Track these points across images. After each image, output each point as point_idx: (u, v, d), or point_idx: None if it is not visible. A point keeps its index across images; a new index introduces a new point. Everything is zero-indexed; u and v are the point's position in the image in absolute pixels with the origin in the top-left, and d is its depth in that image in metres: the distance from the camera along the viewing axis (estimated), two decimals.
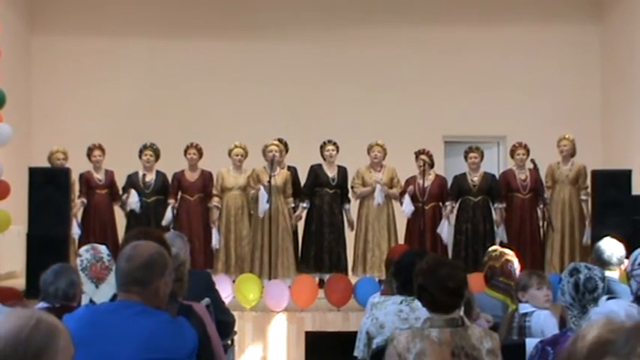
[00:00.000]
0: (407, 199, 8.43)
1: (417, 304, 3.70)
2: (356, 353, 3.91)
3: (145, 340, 2.40)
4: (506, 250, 4.89)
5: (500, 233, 8.49)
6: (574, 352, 1.28)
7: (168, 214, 8.54)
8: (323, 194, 8.58)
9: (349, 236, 8.71)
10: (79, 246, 7.33)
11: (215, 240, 8.52)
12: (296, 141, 9.04)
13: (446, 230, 8.47)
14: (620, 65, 10.85)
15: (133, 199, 8.54)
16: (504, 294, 4.58)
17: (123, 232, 8.60)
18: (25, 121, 10.45)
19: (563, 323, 4.31)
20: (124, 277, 2.51)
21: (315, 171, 8.64)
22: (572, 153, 8.67)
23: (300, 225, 8.77)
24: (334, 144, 8.66)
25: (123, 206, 8.81)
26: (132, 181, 8.73)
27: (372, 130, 9.63)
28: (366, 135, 9.00)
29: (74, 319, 2.43)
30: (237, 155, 8.68)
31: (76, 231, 8.42)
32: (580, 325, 3.33)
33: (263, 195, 8.21)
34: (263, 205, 8.22)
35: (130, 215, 8.69)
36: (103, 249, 4.17)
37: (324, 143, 8.70)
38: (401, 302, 3.85)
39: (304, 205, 8.61)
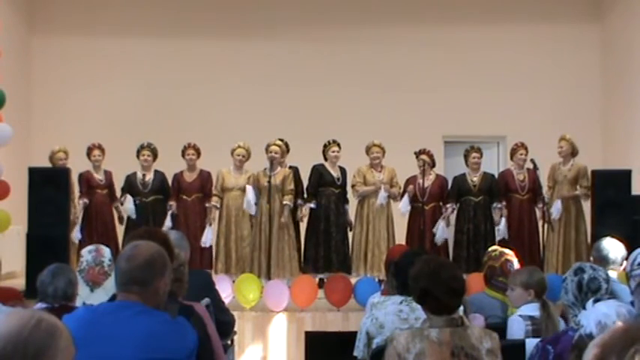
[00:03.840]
0: (405, 199, 8.44)
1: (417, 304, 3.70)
2: (356, 353, 3.91)
3: (145, 340, 2.40)
4: (506, 250, 4.89)
5: (502, 230, 8.46)
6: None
7: (168, 222, 8.54)
8: (329, 194, 8.58)
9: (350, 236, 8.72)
10: (80, 248, 7.30)
11: (205, 238, 8.49)
12: (296, 141, 9.04)
13: (440, 231, 8.46)
14: (620, 65, 10.85)
15: (129, 206, 8.53)
16: (504, 294, 4.58)
17: (122, 233, 8.61)
18: (25, 121, 10.46)
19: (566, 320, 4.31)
20: (124, 276, 2.51)
21: (319, 171, 8.64)
22: (573, 153, 8.66)
23: (301, 226, 8.77)
24: (338, 144, 8.67)
25: (118, 209, 8.83)
26: (130, 182, 8.72)
27: (372, 130, 9.63)
28: (366, 135, 8.99)
29: (73, 320, 2.42)
30: (239, 155, 8.67)
31: (76, 235, 8.40)
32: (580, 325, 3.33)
33: (250, 191, 8.21)
34: (248, 202, 8.21)
35: (129, 216, 8.69)
36: (106, 252, 4.13)
37: (329, 143, 8.69)
38: (401, 302, 3.85)
39: (312, 205, 8.59)
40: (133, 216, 8.52)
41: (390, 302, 3.90)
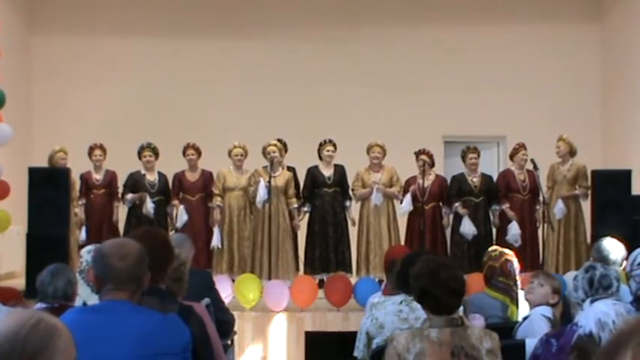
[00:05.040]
0: (408, 197, 8.41)
1: (417, 304, 3.71)
2: (356, 353, 3.91)
3: (141, 337, 2.41)
4: (506, 250, 4.90)
5: (515, 235, 8.41)
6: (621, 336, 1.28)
7: (184, 216, 8.51)
8: (322, 194, 8.58)
9: (353, 234, 8.70)
10: (80, 248, 7.29)
11: (216, 240, 8.49)
12: (296, 141, 9.03)
13: (468, 227, 8.41)
14: (620, 65, 10.85)
15: (149, 205, 8.50)
16: (504, 294, 4.59)
17: (122, 233, 8.59)
18: (25, 121, 10.45)
19: (568, 319, 4.32)
20: (121, 275, 2.50)
21: (312, 173, 8.64)
22: (571, 153, 8.66)
23: (302, 226, 8.76)
24: (333, 144, 8.66)
25: (125, 203, 8.80)
26: (135, 180, 8.69)
27: (371, 130, 9.63)
28: (365, 135, 8.99)
29: (66, 322, 2.42)
30: (237, 155, 8.67)
31: (84, 237, 8.40)
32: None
33: (262, 187, 8.19)
34: (261, 197, 8.19)
35: (131, 215, 8.68)
36: None
37: (323, 142, 8.69)
38: (400, 302, 3.86)
39: (305, 209, 8.59)
40: (152, 215, 8.48)
41: (389, 302, 3.91)
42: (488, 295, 4.63)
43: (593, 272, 3.53)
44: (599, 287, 3.49)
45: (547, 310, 4.15)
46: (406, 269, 3.82)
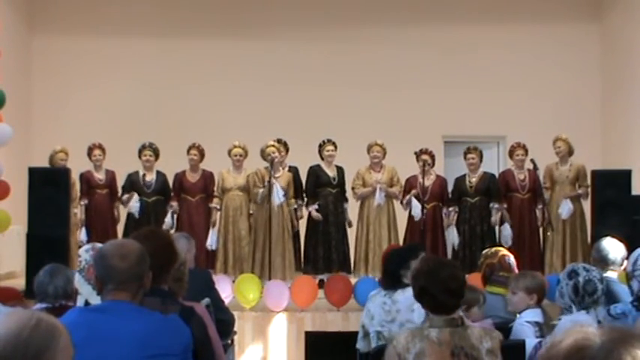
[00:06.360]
0: (414, 202, 8.38)
1: (397, 296, 3.84)
2: (358, 345, 4.06)
3: (142, 338, 2.41)
4: (500, 248, 4.97)
5: (506, 236, 8.41)
6: (550, 358, 1.28)
7: (168, 219, 8.54)
8: (326, 194, 8.59)
9: (351, 235, 8.70)
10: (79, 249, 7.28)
11: (210, 240, 8.49)
12: (296, 141, 9.03)
13: (455, 237, 8.48)
14: (619, 65, 10.85)
15: (134, 204, 8.53)
16: (506, 288, 4.58)
17: (122, 233, 8.60)
18: (25, 121, 10.45)
19: None
20: (122, 275, 2.51)
21: (316, 172, 8.64)
22: (569, 152, 8.66)
23: (302, 226, 8.76)
24: (333, 143, 8.67)
25: (118, 208, 8.83)
26: (132, 181, 8.71)
27: (372, 130, 9.63)
28: (366, 135, 9.00)
29: (68, 322, 2.42)
30: (236, 155, 8.66)
31: (83, 238, 8.41)
32: None
33: (279, 189, 8.20)
34: (280, 199, 8.20)
35: (129, 215, 8.69)
36: None
37: (323, 143, 8.70)
38: (385, 295, 3.98)
39: (315, 207, 8.56)
40: (137, 215, 8.50)
41: (379, 295, 4.05)
42: (490, 293, 4.64)
43: (577, 279, 3.53)
44: (584, 294, 3.50)
45: (532, 314, 4.06)
46: (386, 265, 3.94)
